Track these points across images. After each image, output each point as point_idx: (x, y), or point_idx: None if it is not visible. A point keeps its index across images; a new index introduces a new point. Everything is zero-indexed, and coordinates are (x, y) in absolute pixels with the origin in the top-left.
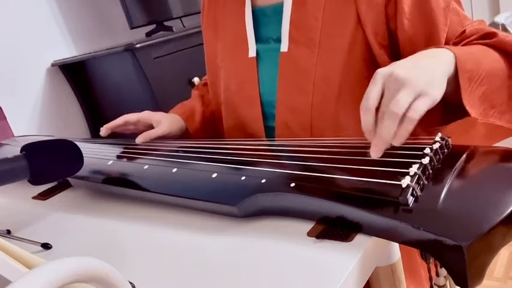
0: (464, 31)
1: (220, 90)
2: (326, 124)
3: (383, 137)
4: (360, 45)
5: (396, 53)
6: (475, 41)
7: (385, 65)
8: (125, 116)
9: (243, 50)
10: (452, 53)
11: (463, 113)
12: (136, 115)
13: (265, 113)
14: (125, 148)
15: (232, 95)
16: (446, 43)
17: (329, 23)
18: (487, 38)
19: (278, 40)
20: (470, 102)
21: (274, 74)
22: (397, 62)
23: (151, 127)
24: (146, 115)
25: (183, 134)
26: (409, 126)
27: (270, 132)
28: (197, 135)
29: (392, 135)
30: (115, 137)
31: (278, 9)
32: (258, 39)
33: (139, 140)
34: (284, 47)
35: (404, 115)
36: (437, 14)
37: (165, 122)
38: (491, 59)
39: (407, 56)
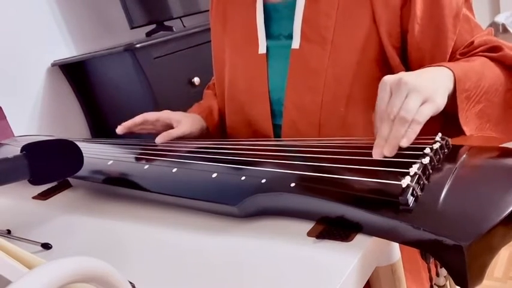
0: (472, 42)
1: (225, 86)
2: (335, 124)
3: (393, 140)
4: (374, 45)
5: (406, 56)
6: (480, 53)
7: (396, 67)
8: (144, 114)
9: (252, 46)
10: (452, 72)
11: (461, 130)
12: (155, 114)
13: (273, 111)
14: (125, 148)
15: (239, 92)
16: (454, 52)
17: (343, 22)
18: (493, 51)
19: (289, 37)
20: (467, 120)
21: (283, 71)
22: (403, 72)
23: (169, 127)
24: (165, 114)
25: (202, 134)
26: (416, 128)
27: (277, 130)
28: (216, 132)
29: (401, 138)
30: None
31: (290, 5)
32: (268, 35)
33: (159, 140)
34: (295, 44)
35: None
36: (447, 22)
37: (185, 121)
38: (492, 74)
39: (414, 60)
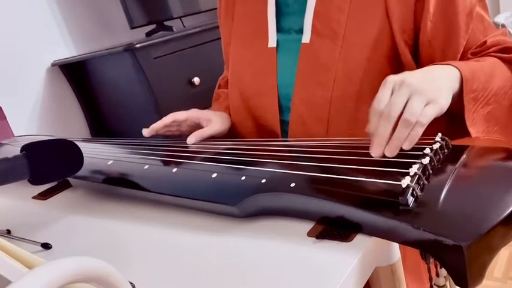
0: (485, 42)
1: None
2: (343, 120)
3: (395, 141)
4: (386, 41)
5: (417, 53)
6: (492, 53)
7: (408, 64)
8: (173, 114)
9: (261, 40)
10: (459, 72)
11: (466, 131)
12: (184, 113)
13: (280, 106)
14: (125, 148)
15: (245, 86)
16: (466, 51)
17: (355, 17)
18: (505, 52)
19: (300, 31)
20: (474, 121)
21: (293, 65)
22: (407, 72)
23: (196, 127)
24: (195, 113)
25: (230, 133)
26: (419, 130)
27: (284, 126)
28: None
29: (404, 140)
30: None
31: (301, 0)
32: (278, 29)
33: (191, 140)
34: (306, 38)
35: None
36: (459, 20)
37: (216, 120)
38: (502, 76)
39: (425, 57)
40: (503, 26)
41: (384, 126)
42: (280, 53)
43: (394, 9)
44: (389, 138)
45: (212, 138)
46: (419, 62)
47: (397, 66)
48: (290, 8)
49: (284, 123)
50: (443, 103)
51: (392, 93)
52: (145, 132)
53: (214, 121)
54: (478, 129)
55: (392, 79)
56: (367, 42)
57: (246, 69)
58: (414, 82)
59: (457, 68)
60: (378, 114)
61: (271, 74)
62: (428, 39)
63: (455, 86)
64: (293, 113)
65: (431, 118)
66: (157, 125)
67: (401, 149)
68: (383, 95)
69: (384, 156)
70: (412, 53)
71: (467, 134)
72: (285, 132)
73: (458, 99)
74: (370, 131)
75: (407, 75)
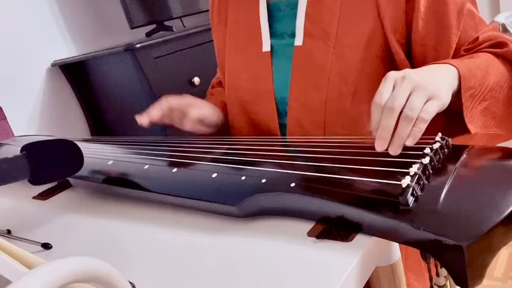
0: (477, 38)
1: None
2: (340, 121)
3: (398, 139)
4: (378, 41)
5: (410, 52)
6: (485, 49)
7: (401, 63)
8: (167, 100)
9: (255, 45)
10: (456, 70)
11: (465, 128)
12: (177, 99)
13: (278, 110)
14: (125, 148)
15: (242, 90)
16: (458, 48)
17: (346, 17)
18: (498, 47)
19: (293, 35)
20: (472, 118)
21: (287, 70)
22: (408, 69)
23: (184, 113)
24: (188, 101)
25: (220, 128)
26: (422, 126)
27: (282, 130)
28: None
29: (406, 137)
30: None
31: (293, 3)
32: (271, 35)
33: (187, 124)
34: (298, 41)
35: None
36: (450, 17)
37: (206, 105)
38: (497, 71)
39: (418, 56)
40: (503, 25)
41: (386, 119)
42: (274, 58)
43: (386, 9)
44: (393, 132)
45: (208, 130)
46: (412, 61)
47: (391, 66)
48: (282, 12)
49: (283, 127)
50: (444, 99)
51: (394, 88)
52: (143, 121)
53: (204, 106)
54: (477, 125)
55: (393, 74)
56: (360, 42)
57: (242, 74)
58: (416, 77)
59: (454, 66)
60: (380, 108)
61: (267, 78)
62: (421, 37)
63: (454, 84)
64: (290, 116)
65: (434, 114)
66: (156, 115)
67: (404, 147)
68: (384, 89)
69: (388, 151)
70: (405, 52)
71: (465, 131)
72: (284, 136)
73: (456, 97)
74: (373, 127)
75: (408, 71)
